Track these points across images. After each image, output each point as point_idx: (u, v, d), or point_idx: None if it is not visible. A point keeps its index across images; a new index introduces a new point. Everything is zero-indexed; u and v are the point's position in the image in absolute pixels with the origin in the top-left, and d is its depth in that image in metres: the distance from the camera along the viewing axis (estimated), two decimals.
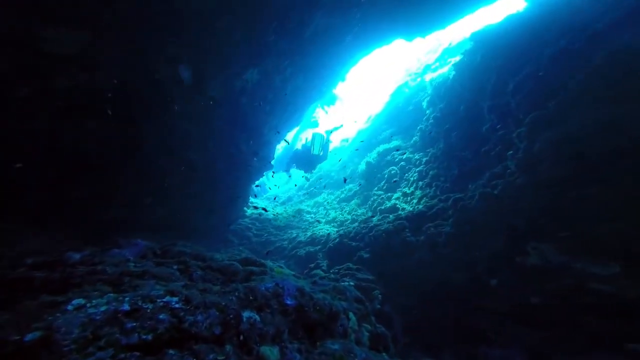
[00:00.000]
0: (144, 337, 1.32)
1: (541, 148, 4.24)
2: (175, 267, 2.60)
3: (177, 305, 1.53)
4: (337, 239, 9.14)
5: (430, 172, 8.57)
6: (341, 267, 6.96)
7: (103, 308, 1.37)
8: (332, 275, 6.63)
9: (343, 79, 16.67)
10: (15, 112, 6.04)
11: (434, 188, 7.94)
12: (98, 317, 1.31)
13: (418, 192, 8.79)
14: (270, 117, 12.72)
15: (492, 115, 6.27)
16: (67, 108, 6.68)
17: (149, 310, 1.44)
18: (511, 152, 5.04)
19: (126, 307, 1.41)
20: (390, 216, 8.31)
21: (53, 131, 6.66)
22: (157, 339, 1.36)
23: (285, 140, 18.01)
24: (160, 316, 1.45)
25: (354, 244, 8.38)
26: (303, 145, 18.96)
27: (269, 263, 8.36)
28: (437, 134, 9.07)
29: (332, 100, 21.18)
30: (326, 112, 21.47)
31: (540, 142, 4.28)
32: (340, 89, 21.07)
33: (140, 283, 2.00)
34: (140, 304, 1.45)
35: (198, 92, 8.86)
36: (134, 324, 1.36)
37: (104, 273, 2.10)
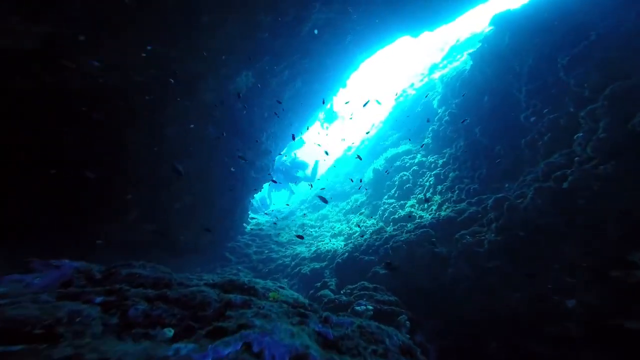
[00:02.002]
0: None
1: None
2: (99, 299, 1.59)
3: None
4: (346, 254, 8.04)
5: (450, 175, 7.55)
6: (354, 286, 5.85)
7: None
8: (344, 298, 5.51)
9: (344, 85, 15.93)
10: None
11: (457, 191, 6.90)
12: None
13: (437, 198, 7.74)
14: (268, 124, 11.86)
15: (534, 100, 5.30)
16: (35, 113, 5.83)
17: None
18: (581, 134, 4.02)
19: None
20: (409, 225, 7.24)
21: (21, 139, 5.79)
22: None
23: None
24: None
25: (366, 258, 7.28)
26: (291, 160, 18.31)
27: (268, 284, 7.24)
28: (453, 132, 8.12)
29: (333, 117, 20.34)
30: (326, 128, 20.71)
31: None
32: (340, 106, 20.34)
33: None
34: None
35: (187, 95, 8.02)
36: None
37: None
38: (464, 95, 7.47)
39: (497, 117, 6.25)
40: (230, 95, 9.49)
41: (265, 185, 18.07)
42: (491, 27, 6.90)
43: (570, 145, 4.19)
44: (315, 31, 8.75)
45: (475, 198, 5.77)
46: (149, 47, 6.87)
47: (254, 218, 15.89)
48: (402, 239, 5.91)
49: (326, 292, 6.79)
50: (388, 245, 6.55)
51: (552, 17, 5.25)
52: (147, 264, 2.54)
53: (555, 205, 3.70)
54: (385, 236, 7.31)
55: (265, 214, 16.71)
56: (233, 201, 9.89)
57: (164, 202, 7.23)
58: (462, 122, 6.99)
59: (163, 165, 7.17)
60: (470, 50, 7.57)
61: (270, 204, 21.85)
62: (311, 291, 7.72)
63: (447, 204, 7.34)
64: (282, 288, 7.50)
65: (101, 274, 2.17)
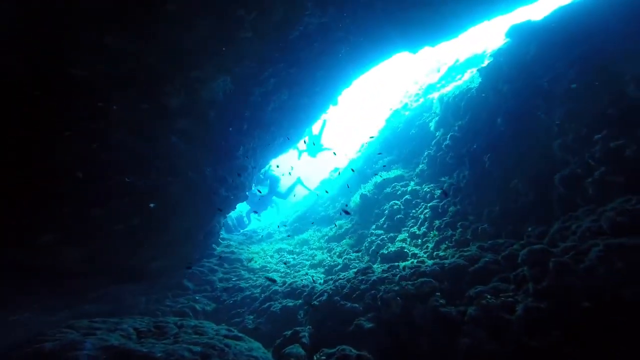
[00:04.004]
0: None
1: None
2: None
3: None
4: (325, 295, 6.72)
5: (451, 209, 6.47)
6: (332, 351, 4.52)
7: None
8: None
9: (335, 103, 15.02)
10: None
11: (460, 229, 5.79)
12: None
13: (434, 234, 6.61)
14: (247, 137, 10.60)
15: (574, 124, 4.22)
16: None
17: None
18: None
19: None
20: (401, 264, 6.03)
21: None
22: None
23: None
24: None
25: (349, 305, 6.00)
26: (264, 172, 17.02)
27: (220, 332, 5.69)
28: (454, 159, 7.11)
29: (317, 149, 19.22)
30: (298, 157, 19.66)
31: None
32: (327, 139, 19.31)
33: None
34: None
35: (145, 97, 6.74)
36: None
37: None
38: (470, 117, 6.51)
39: (514, 144, 5.23)
40: (203, 102, 8.24)
41: (244, 204, 16.62)
42: (507, 40, 6.04)
43: None
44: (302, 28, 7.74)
45: (489, 242, 4.65)
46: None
47: (225, 239, 14.37)
48: (396, 288, 4.66)
49: (296, 349, 5.40)
50: (377, 293, 5.28)
51: (611, 17, 4.27)
52: None
53: None
54: (372, 278, 6.06)
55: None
56: (196, 223, 8.45)
57: (99, 222, 5.77)
58: (470, 148, 5.95)
59: (101, 178, 5.77)
60: (479, 67, 6.71)
61: (249, 223, 20.22)
62: (278, 341, 6.32)
63: (446, 242, 6.20)
64: (239, 339, 5.96)
65: None
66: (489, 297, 3.53)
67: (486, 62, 6.57)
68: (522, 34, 5.63)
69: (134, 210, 6.30)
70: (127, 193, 6.15)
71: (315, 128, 18.98)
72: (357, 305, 5.85)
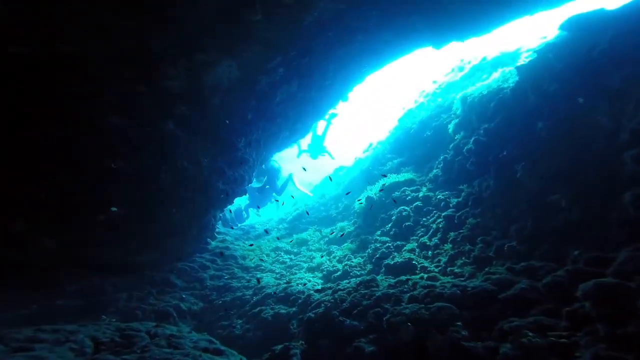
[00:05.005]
0: None
1: None
2: None
3: None
4: (322, 307, 6.10)
5: (470, 220, 5.80)
6: None
7: None
8: None
9: (345, 99, 14.34)
10: None
11: (480, 245, 5.12)
12: None
13: (448, 247, 5.95)
14: (250, 128, 9.98)
15: None
16: None
17: None
18: None
19: None
20: (410, 280, 5.39)
21: None
22: None
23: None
24: None
25: (348, 322, 5.37)
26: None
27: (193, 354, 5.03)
28: (476, 165, 6.42)
29: (320, 151, 18.62)
30: (298, 156, 19.04)
31: None
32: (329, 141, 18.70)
33: None
34: None
35: (143, 79, 6.13)
36: None
37: None
38: (500, 120, 5.80)
39: (556, 153, 4.49)
40: (206, 87, 7.64)
41: (244, 198, 15.99)
42: (559, 33, 5.26)
43: None
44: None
45: (521, 264, 3.97)
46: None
47: (221, 233, 13.78)
48: (407, 312, 4.01)
49: None
50: (382, 313, 4.65)
51: None
52: None
53: None
54: (377, 294, 5.42)
55: (231, 227, 14.57)
56: (189, 215, 7.85)
57: (80, 210, 5.17)
58: (498, 155, 5.25)
59: (85, 162, 5.16)
60: (516, 65, 5.99)
61: (247, 217, 19.62)
62: (265, 356, 5.72)
63: (463, 257, 5.53)
64: (220, 353, 5.29)
65: None
66: (530, 334, 2.88)
67: (522, 60, 5.87)
68: (589, 26, 4.79)
69: (119, 199, 5.70)
70: (112, 180, 5.55)
71: (318, 128, 18.37)
72: (357, 323, 5.21)
